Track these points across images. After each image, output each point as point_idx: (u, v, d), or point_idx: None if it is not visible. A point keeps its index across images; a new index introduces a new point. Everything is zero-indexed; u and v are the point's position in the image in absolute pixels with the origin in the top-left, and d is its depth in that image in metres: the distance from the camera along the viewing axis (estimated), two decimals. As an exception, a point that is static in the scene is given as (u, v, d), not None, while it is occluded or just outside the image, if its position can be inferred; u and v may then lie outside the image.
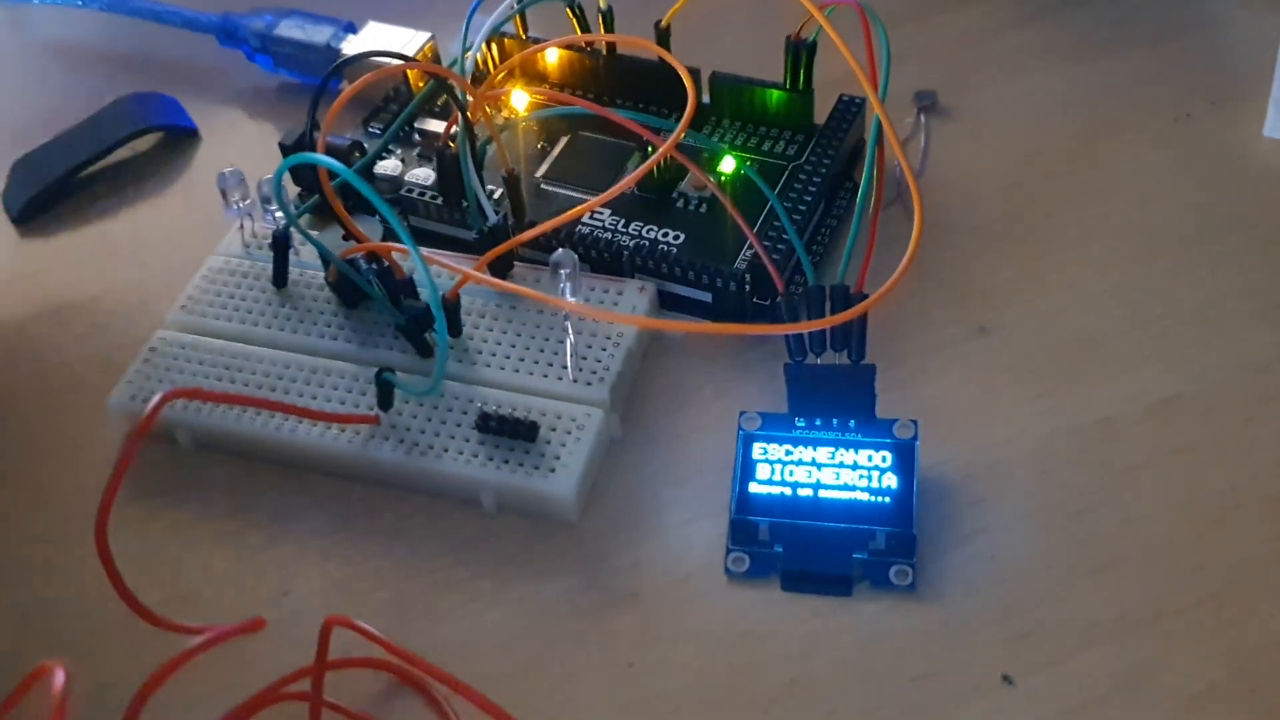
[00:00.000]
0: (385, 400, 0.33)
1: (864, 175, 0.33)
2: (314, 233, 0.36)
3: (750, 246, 0.36)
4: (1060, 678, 0.29)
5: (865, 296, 0.32)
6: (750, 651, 0.30)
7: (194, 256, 0.38)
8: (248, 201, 0.36)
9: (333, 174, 0.33)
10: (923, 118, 0.42)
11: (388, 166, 0.39)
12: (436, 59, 0.43)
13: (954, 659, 0.29)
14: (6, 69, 0.49)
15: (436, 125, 0.41)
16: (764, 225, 0.36)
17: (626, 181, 0.34)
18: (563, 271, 0.33)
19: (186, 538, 0.33)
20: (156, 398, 0.27)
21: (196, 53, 0.46)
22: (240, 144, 0.44)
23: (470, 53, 0.37)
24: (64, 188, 0.42)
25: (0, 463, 0.35)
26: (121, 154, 0.43)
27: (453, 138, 0.37)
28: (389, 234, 0.37)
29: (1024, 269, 0.37)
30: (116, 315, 0.38)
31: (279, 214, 0.35)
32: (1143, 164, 0.40)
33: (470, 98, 0.35)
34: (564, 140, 0.40)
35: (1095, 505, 0.32)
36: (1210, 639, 0.29)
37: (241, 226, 0.37)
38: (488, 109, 0.37)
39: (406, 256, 0.35)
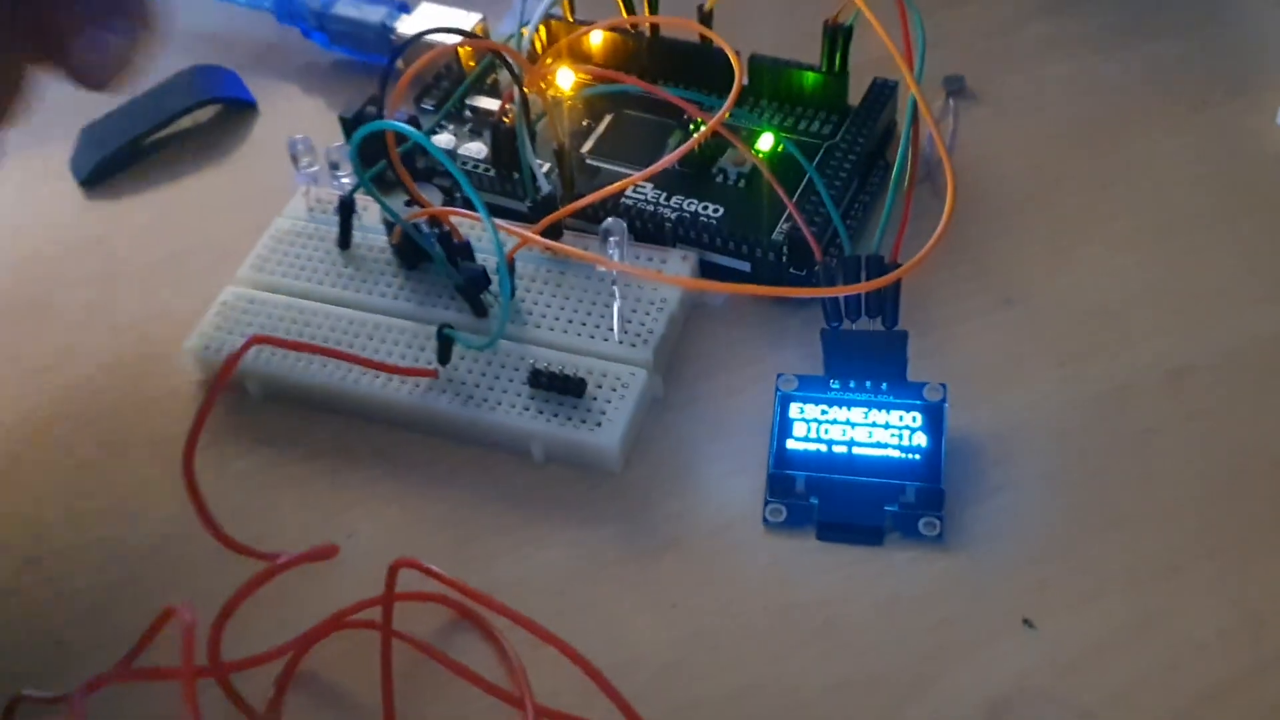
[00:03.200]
0: (444, 354, 0.35)
1: (900, 151, 0.34)
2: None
3: (787, 220, 0.38)
4: (1077, 622, 0.31)
5: (898, 266, 0.34)
6: (786, 595, 0.32)
7: (254, 223, 0.40)
8: (314, 168, 0.38)
9: (399, 141, 0.35)
10: (951, 101, 0.44)
11: (441, 141, 0.41)
12: (487, 38, 0.45)
13: (978, 604, 0.31)
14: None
15: (487, 102, 0.42)
16: (801, 200, 0.38)
17: (672, 156, 0.36)
18: (612, 239, 0.35)
19: (256, 483, 0.35)
20: (242, 342, 0.29)
21: (256, 29, 0.48)
22: (296, 117, 0.46)
23: (528, 28, 0.39)
24: (129, 154, 0.44)
25: (79, 415, 0.37)
26: (183, 124, 0.45)
27: (507, 113, 0.39)
28: (446, 203, 0.39)
29: (1047, 246, 0.39)
30: (182, 276, 0.40)
31: (345, 180, 0.37)
32: (1162, 149, 0.41)
33: (526, 73, 0.37)
34: (608, 118, 0.42)
35: (1113, 465, 0.34)
36: (1219, 589, 0.31)
37: (307, 191, 0.39)
38: (541, 84, 0.39)
39: (463, 222, 0.37)
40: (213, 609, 0.27)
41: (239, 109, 0.46)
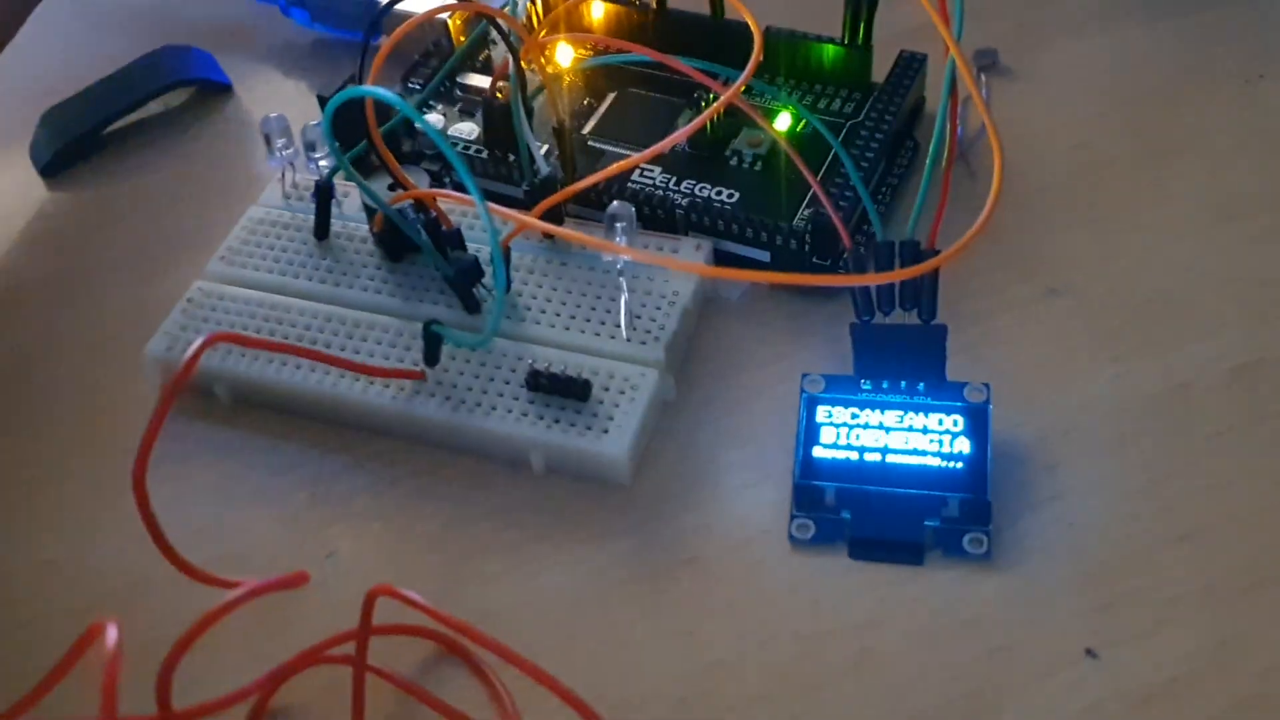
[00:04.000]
0: (432, 354, 0.32)
1: (937, 125, 0.31)
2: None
3: (809, 205, 0.35)
4: (1146, 652, 0.27)
5: (936, 253, 0.30)
6: (816, 621, 0.29)
7: (226, 212, 0.37)
8: (290, 150, 0.35)
9: (381, 120, 0.31)
10: (983, 77, 0.41)
11: (430, 121, 0.38)
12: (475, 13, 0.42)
13: (1033, 631, 0.28)
14: (40, 22, 0.48)
15: (479, 80, 0.39)
16: (824, 182, 0.35)
17: (684, 131, 0.33)
18: (619, 225, 0.32)
19: (226, 497, 0.32)
20: (199, 340, 0.26)
21: (230, 6, 0.46)
22: (274, 99, 0.43)
23: (523, -4, 0.36)
24: (93, 141, 0.42)
25: (35, 419, 0.35)
26: (153, 108, 0.43)
27: (500, 89, 0.36)
28: (435, 186, 0.35)
29: (1093, 231, 0.36)
30: (149, 269, 0.38)
31: (323, 162, 0.34)
32: (1214, 126, 0.39)
33: (523, 43, 0.34)
34: (611, 97, 0.39)
35: (1177, 472, 0.30)
36: (1303, 612, 0.28)
37: (282, 176, 0.36)
38: (540, 57, 0.35)
39: (453, 207, 0.34)
40: (168, 643, 0.24)
41: (212, 92, 0.44)
